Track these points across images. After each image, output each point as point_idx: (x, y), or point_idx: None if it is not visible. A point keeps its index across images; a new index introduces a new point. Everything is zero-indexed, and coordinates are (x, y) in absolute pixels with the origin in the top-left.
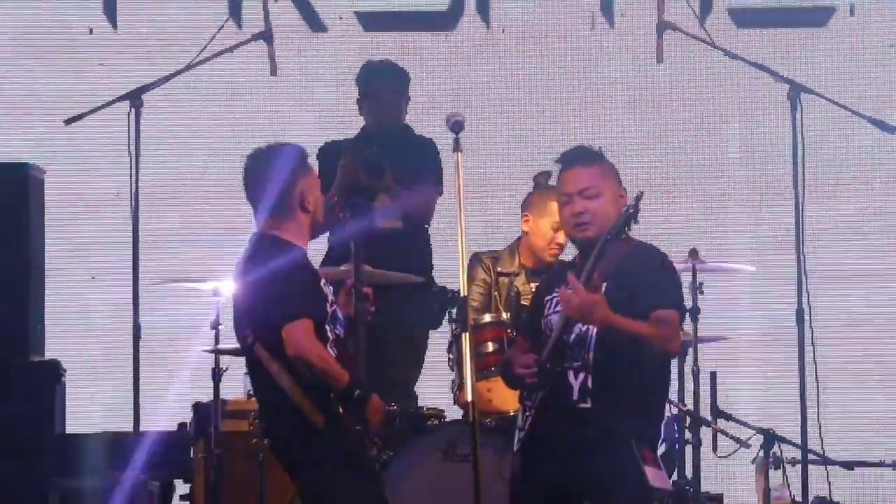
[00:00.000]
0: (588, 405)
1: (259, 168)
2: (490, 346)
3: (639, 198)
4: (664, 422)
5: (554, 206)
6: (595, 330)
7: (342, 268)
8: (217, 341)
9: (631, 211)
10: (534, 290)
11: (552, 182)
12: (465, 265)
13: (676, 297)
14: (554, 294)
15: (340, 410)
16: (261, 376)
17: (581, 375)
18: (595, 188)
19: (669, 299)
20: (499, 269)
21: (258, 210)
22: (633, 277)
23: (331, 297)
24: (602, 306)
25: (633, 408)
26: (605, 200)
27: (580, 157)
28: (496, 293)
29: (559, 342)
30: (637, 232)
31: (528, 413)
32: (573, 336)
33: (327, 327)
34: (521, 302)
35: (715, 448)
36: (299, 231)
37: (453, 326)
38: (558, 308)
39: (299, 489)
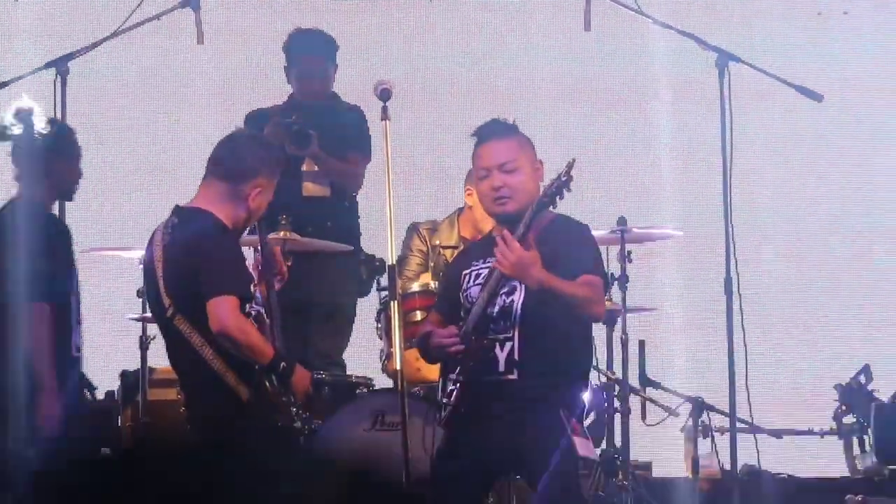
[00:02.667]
0: (514, 377)
1: (241, 143)
2: (419, 315)
3: (570, 165)
4: (591, 390)
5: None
6: (520, 302)
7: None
8: (144, 310)
9: (563, 179)
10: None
11: None
12: (393, 233)
13: (599, 265)
14: (472, 268)
15: (266, 383)
16: (181, 349)
17: (507, 347)
18: (513, 162)
19: (592, 266)
20: (436, 240)
21: (208, 179)
22: (555, 246)
23: (253, 278)
24: (538, 264)
25: (559, 377)
26: (524, 174)
27: (496, 131)
28: (431, 263)
29: (483, 314)
30: (566, 201)
31: (452, 388)
32: (497, 308)
33: (247, 305)
34: None
35: (644, 416)
36: (232, 217)
37: (382, 295)
38: (479, 281)
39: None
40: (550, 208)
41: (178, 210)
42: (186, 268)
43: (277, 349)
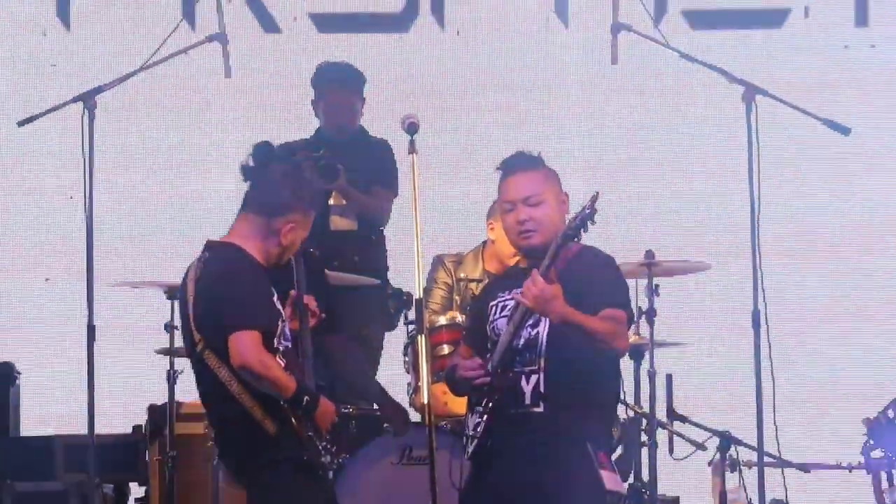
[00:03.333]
0: (541, 409)
1: (270, 179)
2: (446, 349)
3: (594, 199)
4: (619, 423)
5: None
6: (545, 334)
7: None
8: (172, 343)
9: (587, 212)
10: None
11: None
12: (421, 267)
13: (623, 298)
14: (498, 299)
15: (292, 418)
16: (210, 383)
17: (533, 379)
18: (538, 195)
19: (617, 299)
20: (461, 273)
21: (244, 214)
22: (580, 278)
23: (283, 314)
24: (560, 298)
25: (586, 410)
26: (549, 207)
27: (521, 163)
28: (457, 297)
29: (509, 346)
30: (593, 233)
31: (479, 420)
32: (522, 340)
33: (275, 340)
34: None
35: (671, 450)
36: (263, 251)
37: (409, 328)
38: (505, 313)
39: (250, 496)
40: (575, 240)
41: (209, 245)
42: (215, 302)
43: (301, 383)
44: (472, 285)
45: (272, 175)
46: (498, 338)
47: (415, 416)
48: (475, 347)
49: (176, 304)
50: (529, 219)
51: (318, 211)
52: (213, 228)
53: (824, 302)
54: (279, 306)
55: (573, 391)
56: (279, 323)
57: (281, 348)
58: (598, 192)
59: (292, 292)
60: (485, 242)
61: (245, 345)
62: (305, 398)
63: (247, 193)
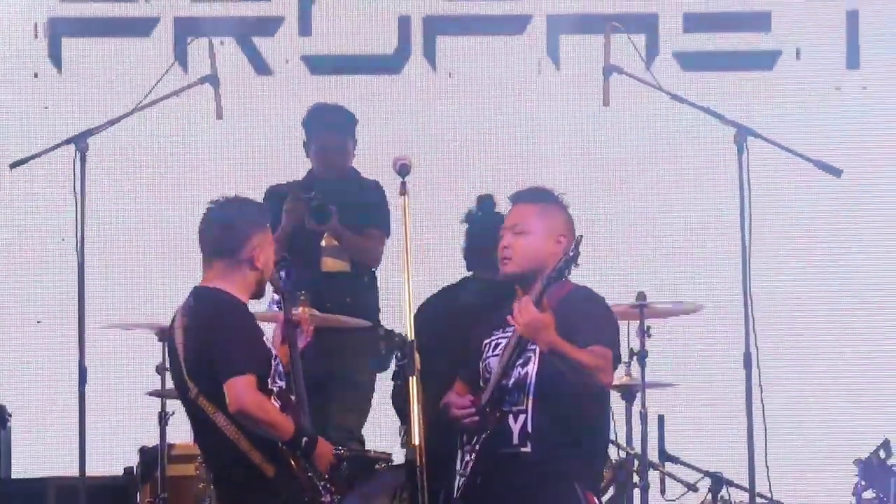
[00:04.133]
0: (528, 449)
1: (216, 218)
2: None
3: (578, 242)
4: (611, 465)
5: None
6: (534, 373)
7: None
8: (163, 385)
9: (571, 254)
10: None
11: None
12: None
13: (611, 337)
14: (493, 337)
15: (291, 460)
16: (206, 429)
17: (521, 419)
18: (523, 225)
19: (604, 338)
20: None
21: (208, 260)
22: (570, 316)
23: (274, 352)
24: (552, 327)
25: (574, 451)
26: (533, 239)
27: (526, 195)
28: None
29: (499, 385)
30: (585, 274)
31: (467, 458)
32: (511, 380)
33: (269, 381)
34: None
35: (663, 491)
36: (244, 286)
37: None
38: (498, 351)
39: None
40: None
41: (195, 291)
42: (206, 350)
43: (299, 424)
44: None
45: (213, 216)
46: (490, 375)
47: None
48: (470, 383)
49: (167, 345)
50: (509, 246)
51: (310, 251)
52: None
53: (816, 343)
54: (269, 345)
55: (561, 431)
56: (272, 363)
57: (275, 389)
58: (580, 236)
59: (278, 329)
60: None
61: (241, 390)
62: (304, 439)
63: (200, 243)
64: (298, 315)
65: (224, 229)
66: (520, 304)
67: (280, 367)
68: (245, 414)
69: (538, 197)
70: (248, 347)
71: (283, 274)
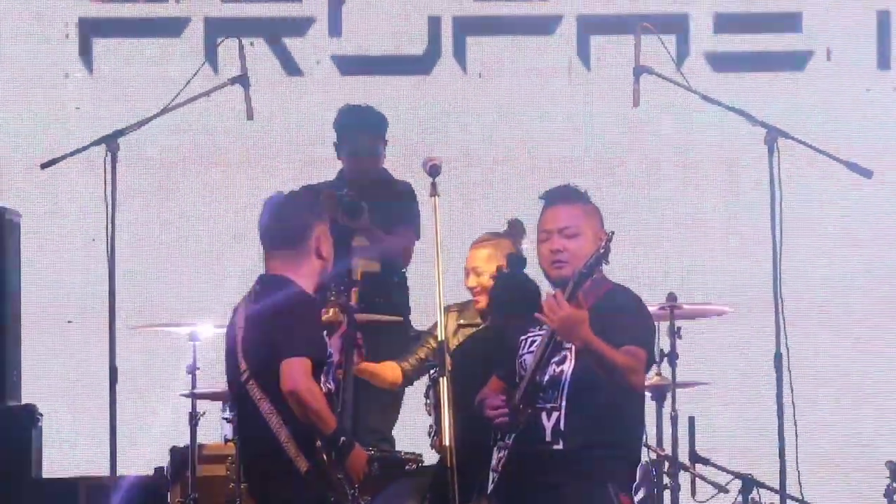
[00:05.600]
0: (560, 447)
1: (281, 206)
2: None
3: (609, 238)
4: (641, 466)
5: (471, 254)
6: (570, 371)
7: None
8: (194, 385)
9: (601, 251)
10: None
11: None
12: (443, 309)
13: (646, 338)
14: (529, 334)
15: (325, 458)
16: (249, 414)
17: (554, 416)
18: (574, 227)
19: (639, 338)
20: (462, 320)
21: (271, 254)
22: (608, 316)
23: (330, 350)
24: (586, 324)
25: (607, 451)
26: (584, 240)
27: (563, 195)
28: (458, 340)
29: (533, 382)
30: (615, 275)
31: (500, 454)
32: (546, 377)
33: (322, 378)
34: None
35: (694, 493)
36: (310, 276)
37: (431, 371)
38: (533, 348)
39: None
40: (605, 277)
41: (260, 277)
42: (265, 332)
43: (340, 423)
44: (468, 330)
45: (273, 208)
46: (525, 372)
47: (437, 458)
48: (505, 380)
49: (198, 346)
50: (563, 249)
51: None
52: (236, 271)
53: (847, 344)
54: (328, 341)
55: (594, 430)
56: (328, 358)
57: (324, 390)
58: (612, 232)
59: (339, 336)
60: None
61: (297, 371)
62: (342, 439)
63: (260, 236)
64: (330, 317)
65: (287, 221)
66: (552, 301)
67: (334, 371)
68: (296, 395)
69: (577, 196)
70: (309, 333)
71: (342, 290)
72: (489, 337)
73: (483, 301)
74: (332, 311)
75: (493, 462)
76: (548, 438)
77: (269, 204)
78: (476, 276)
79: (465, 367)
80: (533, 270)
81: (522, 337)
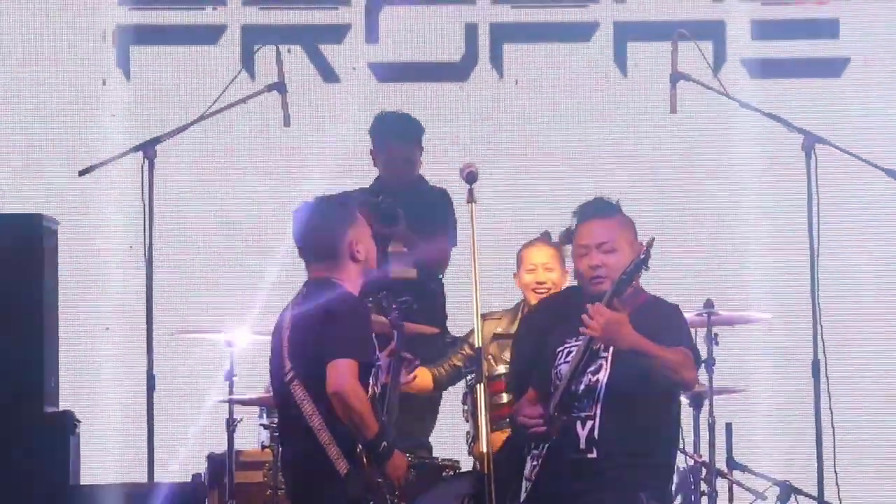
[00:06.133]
0: (594, 455)
1: (308, 220)
2: (505, 397)
3: (650, 244)
4: (678, 473)
5: (526, 253)
6: (605, 380)
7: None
8: (231, 392)
9: (642, 257)
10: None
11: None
12: (479, 315)
13: (691, 340)
14: (566, 345)
15: (364, 461)
16: (291, 415)
17: (588, 425)
18: (612, 242)
19: (685, 340)
20: (498, 329)
21: (309, 261)
22: (648, 324)
23: (377, 354)
24: (628, 325)
25: (641, 460)
26: (621, 254)
27: (598, 210)
28: (491, 355)
29: (568, 391)
30: (652, 282)
31: (534, 463)
32: (582, 386)
33: (370, 381)
34: None
35: (731, 500)
36: (353, 280)
37: (468, 377)
38: (569, 358)
39: None
40: (641, 288)
41: (310, 281)
42: (311, 333)
43: (382, 428)
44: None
45: (304, 220)
46: (560, 382)
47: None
48: (541, 391)
49: (235, 352)
50: (602, 265)
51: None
52: (273, 277)
53: (885, 351)
54: (376, 344)
55: (629, 440)
56: (375, 361)
57: (369, 392)
58: (653, 238)
59: (392, 344)
60: (523, 301)
61: (343, 372)
62: (384, 444)
63: (299, 251)
64: (380, 323)
65: (317, 234)
66: (591, 310)
67: (381, 374)
68: (341, 396)
69: (612, 210)
70: (357, 334)
71: (395, 308)
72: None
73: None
74: (381, 321)
75: (527, 471)
76: (582, 447)
77: (297, 217)
78: (546, 271)
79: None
80: None
81: (559, 348)
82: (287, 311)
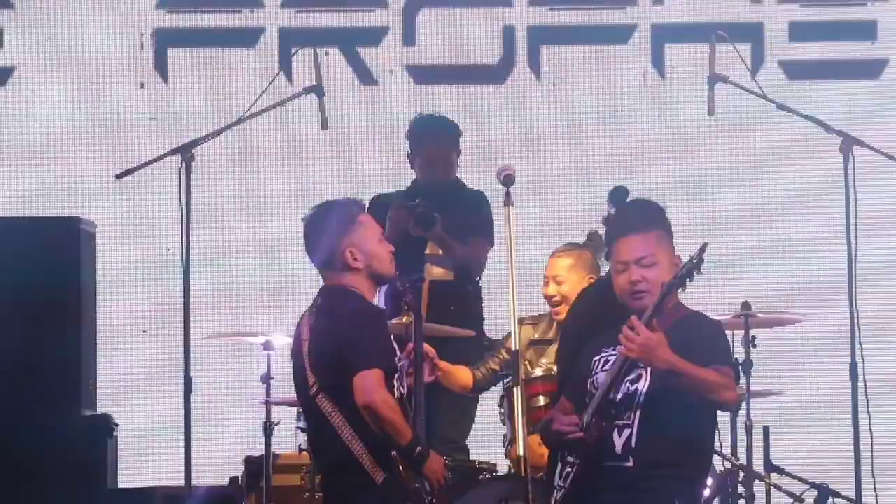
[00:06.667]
0: (630, 464)
1: (311, 227)
2: (542, 400)
3: (703, 249)
4: (714, 476)
5: (552, 262)
6: (644, 389)
7: (394, 321)
8: (268, 394)
9: (695, 261)
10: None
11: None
12: (516, 318)
13: (730, 360)
14: (602, 354)
15: (400, 468)
16: (321, 428)
17: (625, 433)
18: (651, 256)
19: (723, 358)
20: (535, 335)
21: (322, 273)
22: (688, 340)
23: (398, 352)
24: (666, 346)
25: (677, 470)
26: (661, 269)
27: (636, 224)
28: (527, 360)
29: (606, 399)
30: (689, 285)
31: (568, 470)
32: (620, 394)
33: (395, 382)
34: None
35: (769, 503)
36: (362, 283)
37: (505, 380)
38: (607, 367)
39: None
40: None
41: (323, 290)
42: (332, 345)
43: (415, 433)
44: (548, 347)
45: (304, 234)
46: (597, 391)
47: (511, 468)
48: (575, 400)
49: (272, 355)
50: (642, 279)
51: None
52: (309, 281)
53: None
54: (396, 346)
55: (665, 449)
56: (398, 363)
57: (397, 394)
58: (706, 244)
59: (410, 344)
60: None
61: (371, 383)
62: (418, 448)
63: (309, 255)
64: (402, 324)
65: (314, 246)
66: (628, 330)
67: (405, 372)
68: (372, 408)
69: (650, 222)
70: (378, 343)
71: (408, 288)
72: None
73: (563, 313)
74: (405, 318)
75: (559, 478)
76: (618, 455)
77: (304, 221)
78: (557, 285)
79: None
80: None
81: (595, 357)
82: (304, 322)
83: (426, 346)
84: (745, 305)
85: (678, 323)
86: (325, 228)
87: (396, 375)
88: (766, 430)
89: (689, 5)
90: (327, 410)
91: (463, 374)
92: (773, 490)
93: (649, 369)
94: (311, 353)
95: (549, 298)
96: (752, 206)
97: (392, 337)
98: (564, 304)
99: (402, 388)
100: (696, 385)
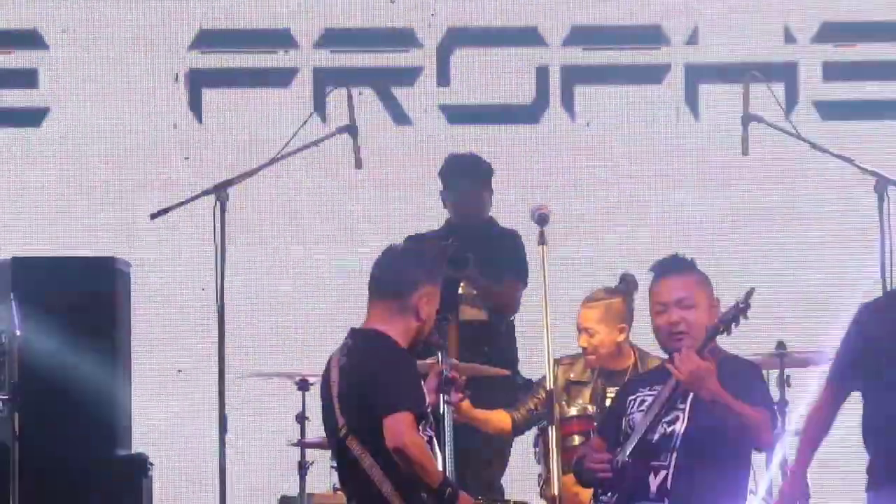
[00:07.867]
0: None
1: (392, 260)
2: (577, 440)
3: (749, 294)
4: None
5: (583, 313)
6: (682, 431)
7: (427, 361)
8: (303, 434)
9: (742, 306)
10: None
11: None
12: (551, 358)
13: (770, 403)
14: (638, 394)
15: None
16: (351, 470)
17: (661, 475)
18: (691, 298)
19: (763, 401)
20: (570, 374)
21: (373, 302)
22: (728, 383)
23: (427, 399)
24: (713, 376)
25: None
26: (701, 311)
27: (675, 266)
28: (564, 401)
29: (643, 440)
30: None
31: None
32: (657, 435)
33: (421, 426)
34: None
35: None
36: (405, 333)
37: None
38: (643, 408)
39: None
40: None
41: (353, 332)
42: (361, 388)
43: (445, 475)
44: (583, 388)
45: (391, 256)
46: (632, 431)
47: None
48: (608, 440)
49: (307, 395)
50: (681, 321)
51: (447, 300)
52: (343, 320)
53: None
54: (425, 392)
55: (699, 491)
56: (427, 409)
57: (425, 437)
58: (752, 289)
59: (432, 379)
60: None
61: (401, 427)
62: (448, 490)
63: (370, 280)
64: (440, 366)
65: (397, 272)
66: (682, 354)
67: (431, 417)
68: (403, 451)
69: (689, 267)
70: (409, 385)
71: (437, 334)
72: None
73: (596, 360)
74: (433, 359)
75: None
76: (652, 496)
77: (386, 252)
78: (588, 336)
79: None
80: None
81: (631, 397)
82: (333, 363)
83: (453, 372)
84: (780, 345)
85: (720, 364)
86: (412, 264)
87: (425, 422)
88: None
89: (723, 45)
90: (357, 452)
91: (501, 418)
92: None
93: (687, 411)
94: (340, 395)
95: (583, 349)
96: (787, 245)
97: (422, 381)
98: (597, 353)
99: (428, 432)
100: (737, 417)
